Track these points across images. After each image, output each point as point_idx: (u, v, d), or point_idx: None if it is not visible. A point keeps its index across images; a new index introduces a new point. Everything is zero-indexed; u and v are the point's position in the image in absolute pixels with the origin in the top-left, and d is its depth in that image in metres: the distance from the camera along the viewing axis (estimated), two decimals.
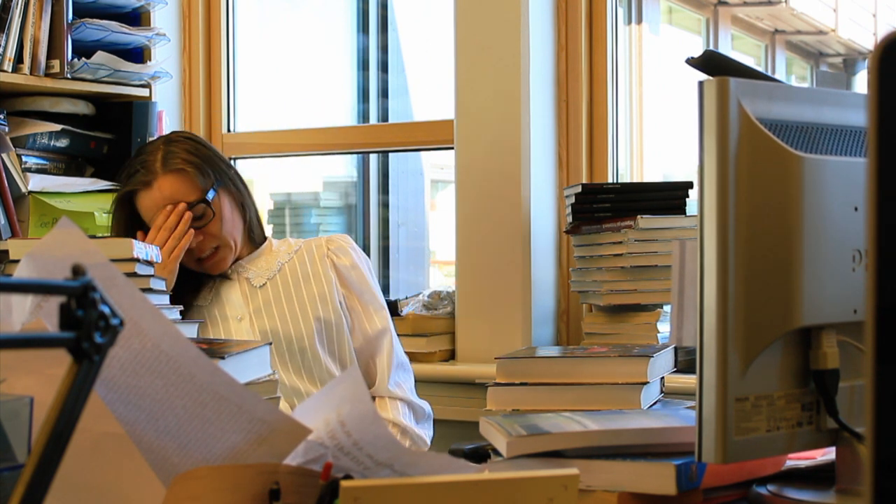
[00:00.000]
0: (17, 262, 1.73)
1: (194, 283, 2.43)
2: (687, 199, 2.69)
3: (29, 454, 0.86)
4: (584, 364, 1.67)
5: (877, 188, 0.84)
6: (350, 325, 2.43)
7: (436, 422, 2.49)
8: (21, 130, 2.90)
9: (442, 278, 4.14)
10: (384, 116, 4.04)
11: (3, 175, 2.80)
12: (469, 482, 1.02)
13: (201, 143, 2.43)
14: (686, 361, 2.02)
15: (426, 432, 2.43)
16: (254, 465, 1.07)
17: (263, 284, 2.42)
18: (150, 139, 3.02)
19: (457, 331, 3.03)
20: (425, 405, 2.46)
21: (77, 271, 0.83)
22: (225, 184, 2.39)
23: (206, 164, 2.37)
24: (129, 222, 2.39)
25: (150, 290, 1.80)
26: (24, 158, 2.90)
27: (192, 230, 2.31)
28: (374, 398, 2.42)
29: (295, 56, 4.33)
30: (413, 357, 2.99)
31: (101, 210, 2.94)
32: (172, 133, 2.48)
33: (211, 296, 2.42)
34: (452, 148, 3.07)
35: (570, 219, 2.76)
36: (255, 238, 2.47)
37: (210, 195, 2.35)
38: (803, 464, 1.48)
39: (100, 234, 2.77)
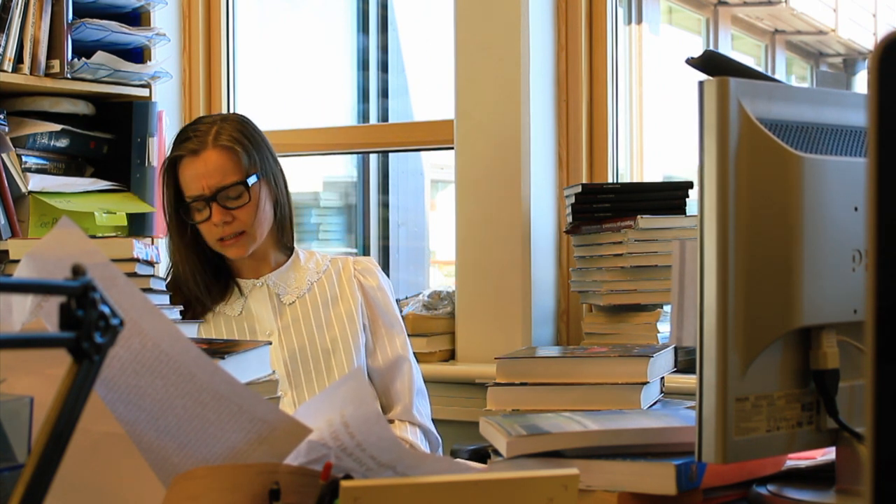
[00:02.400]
0: (17, 262, 1.73)
1: (222, 287, 2.42)
2: (687, 199, 2.69)
3: (29, 454, 0.86)
4: (584, 364, 1.67)
5: (877, 188, 0.84)
6: (371, 347, 2.42)
7: (436, 422, 2.49)
8: (21, 130, 2.90)
9: (442, 278, 4.14)
10: (384, 116, 4.04)
11: (3, 175, 2.81)
12: (469, 482, 1.02)
13: (256, 130, 2.42)
14: (686, 361, 2.02)
15: None
16: (254, 465, 1.07)
17: (293, 302, 2.41)
18: (146, 150, 3.05)
19: (457, 331, 3.03)
20: (438, 436, 2.46)
21: (77, 271, 0.83)
22: (267, 175, 2.38)
23: (255, 149, 2.37)
24: (177, 188, 2.38)
25: (150, 290, 1.80)
26: (24, 158, 2.90)
27: None
28: (392, 421, 2.41)
29: (295, 56, 4.33)
30: None
31: (101, 210, 2.94)
32: (231, 113, 2.48)
33: (241, 307, 2.40)
34: (452, 148, 3.07)
35: (570, 219, 2.76)
36: (284, 242, 2.45)
37: (251, 180, 2.33)
38: (803, 464, 1.48)
39: (100, 234, 2.77)
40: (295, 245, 2.50)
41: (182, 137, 2.38)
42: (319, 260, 2.49)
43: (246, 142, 2.36)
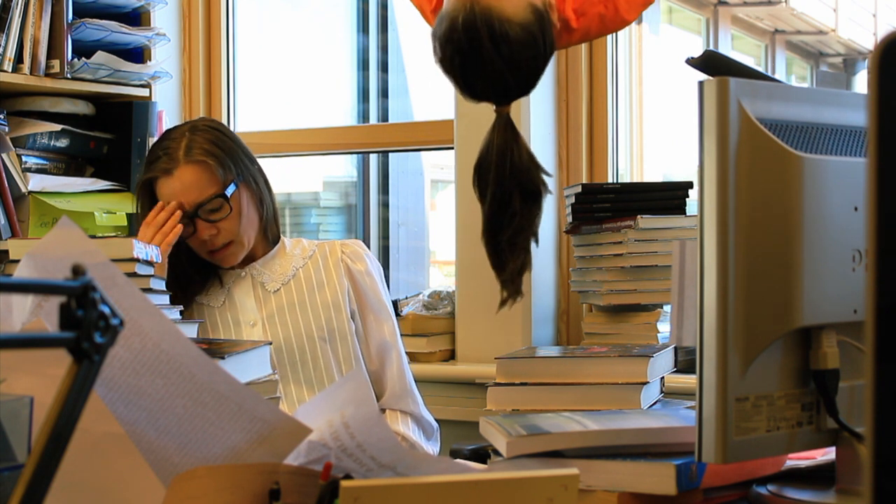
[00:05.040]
0: (17, 262, 1.73)
1: (201, 279, 2.40)
2: (687, 199, 2.68)
3: (29, 454, 0.86)
4: (584, 364, 1.67)
5: (877, 188, 0.84)
6: (362, 333, 2.40)
7: (436, 422, 2.49)
8: (21, 130, 2.90)
9: (442, 278, 4.14)
10: (384, 116, 4.04)
11: (3, 175, 2.81)
12: (469, 482, 1.02)
13: (227, 134, 2.37)
14: (686, 361, 2.02)
15: (433, 448, 2.42)
16: (254, 465, 1.07)
17: (277, 290, 2.38)
18: (146, 150, 3.01)
19: (457, 331, 3.03)
20: (433, 421, 2.44)
21: (77, 271, 0.83)
22: (246, 179, 2.34)
23: (229, 157, 2.32)
24: (153, 206, 2.33)
25: (150, 290, 1.80)
26: (24, 158, 2.90)
27: (180, 225, 2.26)
28: (383, 410, 2.40)
29: (295, 56, 4.33)
30: (413, 357, 2.99)
31: (102, 210, 2.95)
32: (199, 120, 2.42)
33: (224, 298, 2.38)
34: (452, 148, 3.07)
35: (570, 219, 2.75)
36: (269, 236, 2.42)
37: (229, 190, 2.29)
38: (803, 464, 1.48)
39: (100, 234, 2.78)
40: (281, 235, 2.47)
41: (153, 157, 2.33)
42: (306, 246, 2.46)
43: (218, 151, 2.31)
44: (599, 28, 2.05)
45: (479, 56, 1.85)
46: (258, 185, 2.37)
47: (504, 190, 1.98)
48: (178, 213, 2.27)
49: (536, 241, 1.99)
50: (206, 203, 2.28)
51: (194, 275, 2.39)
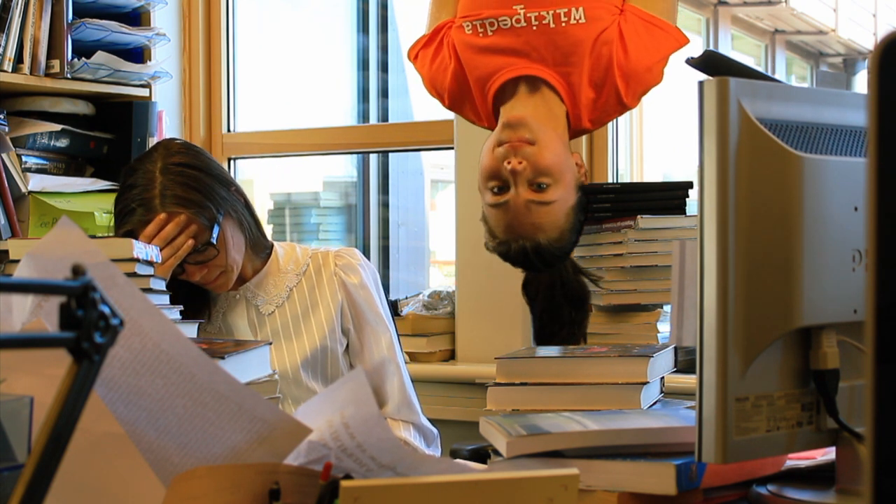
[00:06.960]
0: (17, 262, 1.73)
1: (196, 307, 2.34)
2: (687, 199, 2.68)
3: (29, 454, 0.86)
4: (584, 364, 1.67)
5: (877, 188, 0.84)
6: (358, 346, 2.38)
7: (436, 421, 2.49)
8: (21, 130, 2.90)
9: (442, 278, 4.15)
10: (384, 116, 4.04)
11: (3, 175, 2.81)
12: (469, 482, 1.02)
13: (199, 167, 2.25)
14: (686, 361, 2.02)
15: (434, 454, 2.41)
16: (254, 464, 1.07)
17: (272, 312, 2.36)
18: (146, 149, 2.99)
19: (457, 331, 3.03)
20: (432, 428, 2.43)
21: (77, 271, 0.83)
22: (226, 210, 2.25)
23: (207, 197, 2.22)
24: None
25: (150, 290, 1.80)
26: (24, 158, 2.90)
27: (191, 240, 2.19)
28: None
29: (295, 56, 4.33)
30: (413, 357, 2.99)
31: (101, 210, 2.95)
32: (167, 153, 2.26)
33: (219, 323, 2.36)
34: (452, 148, 3.07)
35: None
36: (258, 247, 2.36)
37: (214, 233, 2.21)
38: (803, 464, 1.48)
39: (100, 234, 2.78)
40: (273, 242, 2.43)
41: (126, 209, 2.23)
42: (299, 257, 2.41)
43: (196, 195, 2.21)
44: (608, 121, 2.42)
45: (529, 267, 2.24)
46: (237, 211, 2.29)
47: (554, 306, 2.29)
48: (193, 227, 2.20)
49: (585, 341, 2.28)
50: (193, 252, 2.21)
51: (188, 303, 2.34)
